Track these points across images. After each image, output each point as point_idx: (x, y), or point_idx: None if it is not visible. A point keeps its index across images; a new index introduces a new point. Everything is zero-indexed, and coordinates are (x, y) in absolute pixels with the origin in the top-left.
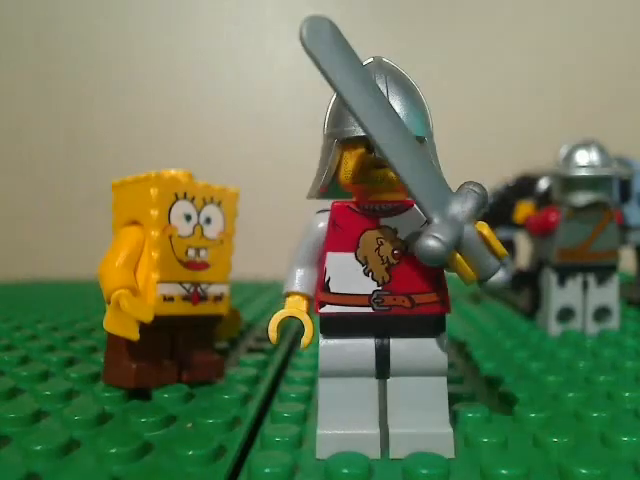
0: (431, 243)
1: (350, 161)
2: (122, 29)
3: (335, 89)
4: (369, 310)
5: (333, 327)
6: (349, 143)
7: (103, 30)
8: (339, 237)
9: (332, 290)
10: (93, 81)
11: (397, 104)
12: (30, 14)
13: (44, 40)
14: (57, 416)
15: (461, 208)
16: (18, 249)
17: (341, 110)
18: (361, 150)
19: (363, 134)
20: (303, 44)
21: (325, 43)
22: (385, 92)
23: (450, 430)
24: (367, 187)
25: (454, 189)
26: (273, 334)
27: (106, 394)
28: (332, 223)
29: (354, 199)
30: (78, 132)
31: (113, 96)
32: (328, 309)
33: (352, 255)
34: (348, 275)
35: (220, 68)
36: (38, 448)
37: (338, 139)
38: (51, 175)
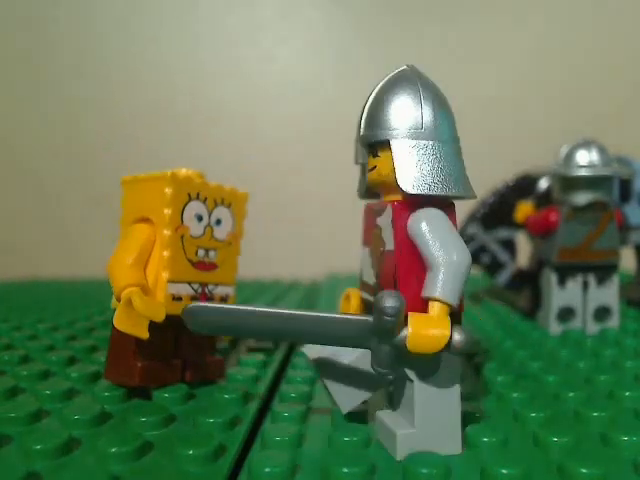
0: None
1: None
2: (124, 28)
3: None
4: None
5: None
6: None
7: (106, 29)
8: (364, 233)
9: (362, 279)
10: (95, 80)
11: (429, 111)
12: (27, 11)
13: (41, 35)
14: (57, 415)
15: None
16: (18, 249)
17: (370, 113)
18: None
19: (374, 139)
20: None
21: None
22: (419, 98)
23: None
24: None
25: (473, 183)
26: None
27: (106, 393)
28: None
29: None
30: (78, 132)
31: (114, 96)
32: (364, 295)
33: (368, 250)
34: (365, 267)
35: (219, 68)
36: (38, 448)
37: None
38: (51, 175)
